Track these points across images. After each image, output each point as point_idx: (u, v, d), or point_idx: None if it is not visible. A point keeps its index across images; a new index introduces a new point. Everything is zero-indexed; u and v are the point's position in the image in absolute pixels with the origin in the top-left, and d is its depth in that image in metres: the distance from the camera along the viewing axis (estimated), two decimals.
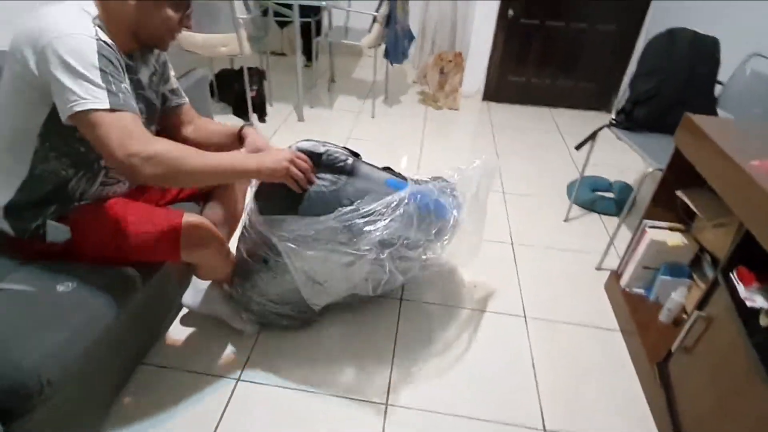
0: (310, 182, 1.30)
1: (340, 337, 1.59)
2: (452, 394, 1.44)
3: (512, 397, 1.44)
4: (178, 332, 1.56)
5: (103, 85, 0.97)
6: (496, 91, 3.59)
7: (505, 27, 3.34)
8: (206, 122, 1.48)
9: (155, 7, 1.10)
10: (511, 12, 3.27)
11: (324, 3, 2.71)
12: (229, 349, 1.52)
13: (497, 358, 1.56)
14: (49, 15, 0.99)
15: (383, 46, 3.03)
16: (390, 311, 1.71)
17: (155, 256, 1.24)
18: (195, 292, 1.53)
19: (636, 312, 1.68)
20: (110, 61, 1.00)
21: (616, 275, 1.84)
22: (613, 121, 2.04)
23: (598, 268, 1.99)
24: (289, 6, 2.70)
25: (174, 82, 1.38)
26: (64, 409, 1.09)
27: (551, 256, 2.04)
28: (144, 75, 1.23)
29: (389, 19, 2.85)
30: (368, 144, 2.82)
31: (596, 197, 2.40)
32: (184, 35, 2.52)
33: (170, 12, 1.12)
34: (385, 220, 1.30)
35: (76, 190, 1.19)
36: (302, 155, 1.29)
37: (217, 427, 1.30)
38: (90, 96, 0.95)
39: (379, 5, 2.86)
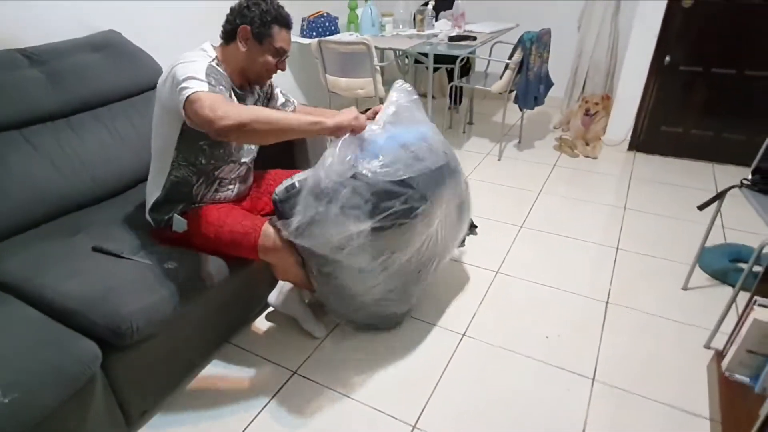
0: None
1: (394, 356, 1.70)
2: None
3: None
4: (262, 323, 1.85)
5: (205, 80, 1.30)
6: (646, 141, 3.30)
7: (660, 73, 3.08)
8: (316, 110, 1.81)
9: (259, 53, 1.47)
10: (668, 58, 3.02)
11: (460, 53, 2.89)
12: (298, 346, 1.74)
13: (544, 414, 1.49)
14: (180, 57, 1.38)
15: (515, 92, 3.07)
16: (449, 343, 1.75)
17: (240, 252, 1.53)
18: (279, 293, 1.80)
19: (732, 402, 1.43)
20: (216, 76, 1.36)
21: (718, 356, 1.58)
22: (746, 181, 1.78)
23: (707, 347, 1.72)
24: (426, 54, 2.95)
25: (281, 98, 1.76)
26: (151, 358, 1.41)
27: (652, 324, 1.83)
28: (249, 101, 1.61)
29: (521, 66, 2.90)
30: (483, 184, 2.87)
31: (731, 268, 2.06)
32: (332, 80, 2.96)
33: (269, 58, 1.48)
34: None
35: (198, 194, 1.57)
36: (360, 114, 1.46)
37: (264, 407, 1.51)
38: (195, 86, 1.28)
39: (512, 53, 2.93)
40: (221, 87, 1.37)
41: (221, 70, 1.44)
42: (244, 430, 1.44)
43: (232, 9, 1.47)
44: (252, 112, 1.27)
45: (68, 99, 1.74)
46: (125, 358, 1.32)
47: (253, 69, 1.50)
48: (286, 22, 1.50)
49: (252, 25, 1.44)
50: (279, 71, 1.55)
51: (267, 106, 1.72)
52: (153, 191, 1.57)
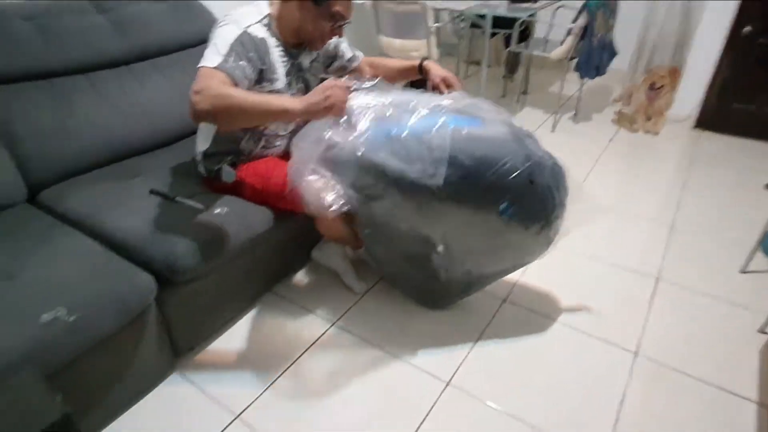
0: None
1: (432, 314, 1.71)
2: (516, 397, 1.42)
3: (581, 419, 1.36)
4: (304, 276, 1.90)
5: (224, 54, 1.29)
6: (714, 118, 3.09)
7: (736, 46, 2.86)
8: (383, 60, 1.77)
9: (314, 16, 1.43)
10: (747, 29, 2.79)
11: (520, 15, 2.78)
12: (338, 299, 1.78)
13: (582, 382, 1.47)
14: (229, 14, 1.38)
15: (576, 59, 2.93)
16: (489, 308, 1.74)
17: (286, 203, 1.56)
18: (322, 246, 1.84)
19: None
20: (244, 47, 1.34)
21: None
22: None
23: (762, 331, 1.63)
24: (484, 17, 2.85)
25: (347, 54, 1.71)
26: (200, 298, 1.49)
27: (703, 304, 1.75)
28: (305, 60, 1.58)
29: (585, 32, 2.76)
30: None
31: None
32: (385, 41, 2.92)
33: (324, 23, 1.44)
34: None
35: (245, 149, 1.60)
36: (338, 83, 1.29)
37: (303, 353, 1.57)
38: (208, 59, 1.28)
39: (576, 17, 2.78)
40: (242, 62, 1.32)
41: (261, 36, 1.40)
42: (281, 374, 1.50)
43: None
44: (225, 100, 1.19)
45: (132, 46, 1.81)
46: (177, 295, 1.40)
47: (306, 31, 1.46)
48: None
49: None
50: (336, 37, 1.52)
51: (329, 65, 1.70)
52: (202, 144, 1.62)
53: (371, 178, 1.33)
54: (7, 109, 1.52)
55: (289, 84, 1.53)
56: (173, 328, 1.43)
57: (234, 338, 1.63)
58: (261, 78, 1.43)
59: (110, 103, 1.72)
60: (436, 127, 1.30)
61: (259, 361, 1.55)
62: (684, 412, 1.38)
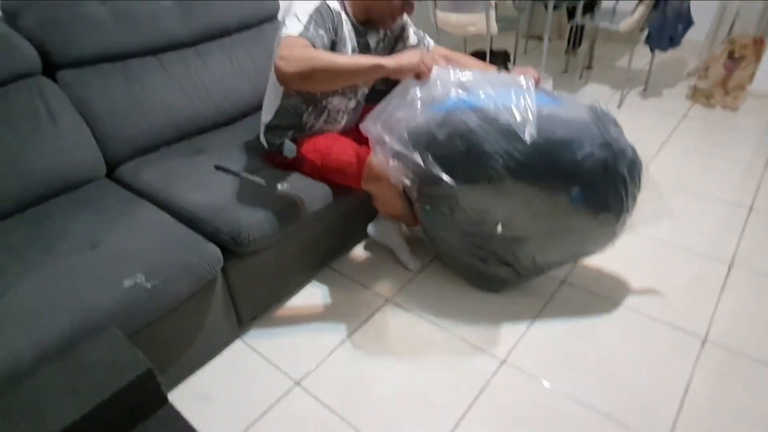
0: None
1: (488, 295, 1.69)
2: (573, 377, 1.40)
3: (641, 403, 1.32)
4: (360, 252, 1.94)
5: (304, 22, 1.32)
6: None
7: None
8: (459, 57, 1.71)
9: None
10: None
11: None
12: (393, 276, 1.80)
13: (645, 367, 1.42)
14: None
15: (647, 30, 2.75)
16: (547, 288, 1.71)
17: (344, 180, 1.58)
18: (378, 223, 1.86)
19: None
20: (322, 17, 1.37)
21: None
22: None
23: None
24: None
25: (412, 38, 1.70)
26: (262, 270, 1.55)
27: None
28: (372, 40, 1.59)
29: (658, 1, 2.58)
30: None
31: None
32: (441, 16, 2.86)
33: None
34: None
35: (307, 123, 1.63)
36: (429, 55, 1.36)
37: (358, 328, 1.61)
38: (290, 27, 1.32)
39: None
40: (321, 31, 1.35)
41: (336, 9, 1.43)
42: (337, 347, 1.55)
43: None
44: (313, 61, 1.24)
45: (196, 28, 1.87)
46: (241, 266, 1.46)
47: (376, 8, 1.47)
48: None
49: None
50: (407, 13, 1.51)
51: (394, 47, 1.69)
52: (267, 115, 1.67)
53: (451, 141, 1.31)
54: (88, 89, 1.62)
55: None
56: (237, 297, 1.50)
57: (293, 310, 1.70)
58: (332, 50, 1.46)
59: (177, 84, 1.80)
60: (518, 101, 1.29)
61: (317, 333, 1.60)
62: (755, 401, 1.31)
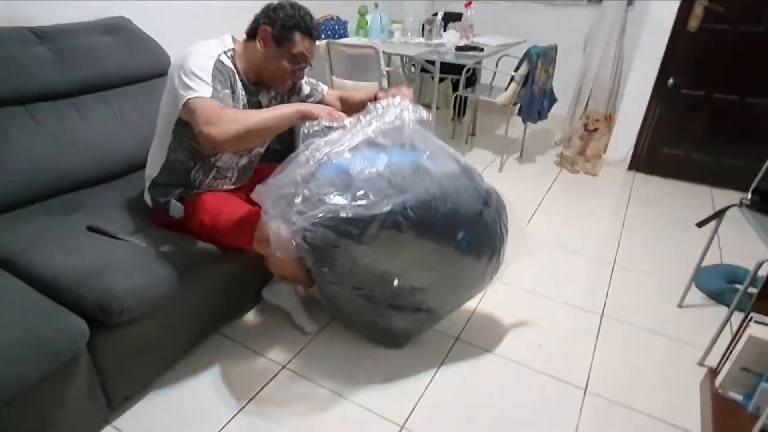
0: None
1: (385, 355, 1.67)
2: None
3: None
4: (254, 316, 1.83)
5: (211, 84, 1.31)
6: (646, 162, 3.31)
7: (662, 96, 3.11)
8: (350, 95, 1.79)
9: (276, 56, 1.45)
10: (671, 81, 3.05)
11: (467, 62, 2.91)
12: (288, 340, 1.72)
13: (535, 423, 1.47)
14: (195, 45, 1.38)
15: (519, 105, 3.10)
16: (442, 345, 1.73)
17: (236, 241, 1.51)
18: (272, 285, 1.78)
19: (724, 420, 1.42)
20: (221, 74, 1.36)
21: (712, 373, 1.57)
22: (745, 201, 1.78)
23: (701, 364, 1.71)
24: (433, 63, 2.97)
25: (305, 90, 1.72)
26: (138, 342, 1.39)
27: (646, 339, 1.82)
28: (264, 99, 1.58)
29: (527, 80, 2.92)
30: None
31: (727, 288, 2.06)
32: (338, 82, 2.97)
33: (285, 63, 1.46)
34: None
35: (196, 179, 1.55)
36: (340, 114, 1.39)
37: (249, 402, 1.49)
38: (199, 90, 1.29)
39: (518, 65, 2.95)
40: (227, 90, 1.37)
41: (230, 65, 1.43)
42: (227, 423, 1.41)
43: (262, 9, 1.47)
44: (244, 122, 1.27)
45: (75, 79, 1.74)
46: (112, 339, 1.30)
47: (268, 71, 1.48)
48: (309, 31, 1.47)
49: (274, 26, 1.43)
50: (296, 80, 1.55)
51: (288, 101, 1.69)
52: (152, 170, 1.57)
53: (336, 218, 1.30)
54: None
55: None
56: (107, 375, 1.32)
57: (175, 386, 1.53)
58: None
59: (50, 136, 1.63)
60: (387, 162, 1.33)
61: (204, 409, 1.45)
62: None
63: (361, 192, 1.28)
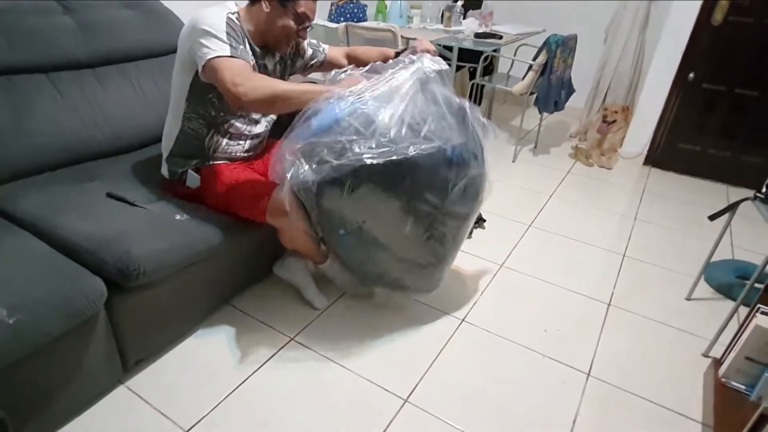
0: None
1: (393, 333, 1.70)
2: (472, 415, 1.43)
3: None
4: (264, 289, 1.86)
5: (227, 41, 1.35)
6: (662, 157, 3.28)
7: (682, 90, 3.08)
8: (362, 51, 1.82)
9: (280, 16, 1.47)
10: (692, 75, 3.01)
11: (485, 49, 2.90)
12: (298, 314, 1.76)
13: (535, 401, 1.49)
14: (202, 10, 1.41)
15: (536, 94, 3.08)
16: (448, 326, 1.76)
17: (249, 213, 1.54)
18: (284, 260, 1.81)
19: (726, 408, 1.42)
20: (234, 30, 1.40)
21: (716, 362, 1.58)
22: (759, 194, 1.77)
23: (705, 355, 1.71)
24: (451, 49, 2.96)
25: (308, 51, 1.76)
26: (154, 307, 1.43)
27: (652, 330, 1.83)
28: (269, 62, 1.62)
29: (544, 69, 2.91)
30: (496, 183, 2.88)
31: (736, 283, 2.05)
32: None
33: (291, 22, 1.49)
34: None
35: (210, 147, 1.59)
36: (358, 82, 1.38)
37: (257, 371, 1.53)
38: (217, 49, 1.33)
39: (537, 54, 2.93)
40: (242, 48, 1.41)
41: (239, 25, 1.46)
42: (235, 389, 1.46)
43: None
44: (273, 89, 1.33)
45: (97, 50, 1.78)
46: (129, 302, 1.34)
47: (273, 32, 1.50)
48: None
49: None
50: (300, 39, 1.57)
51: (294, 64, 1.74)
52: (167, 141, 1.61)
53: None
54: None
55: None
56: (122, 337, 1.36)
57: (186, 352, 1.57)
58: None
59: (71, 105, 1.68)
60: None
61: (212, 376, 1.49)
62: (633, 429, 1.42)
63: (386, 139, 1.30)
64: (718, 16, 2.83)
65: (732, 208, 1.83)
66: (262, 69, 1.57)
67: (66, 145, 1.66)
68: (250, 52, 1.51)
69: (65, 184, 1.56)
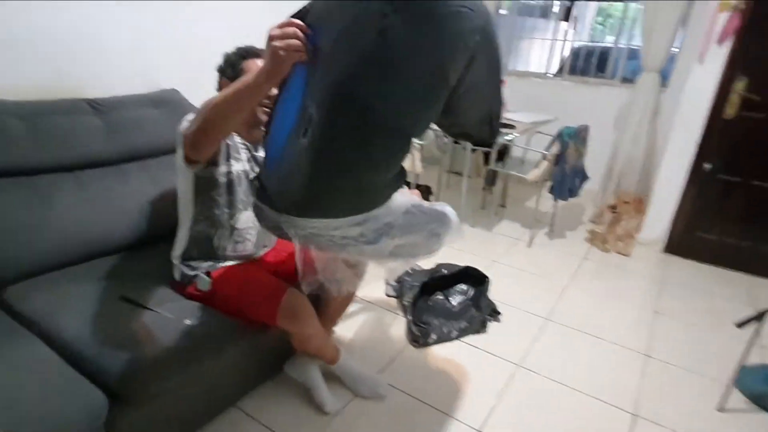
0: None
1: None
2: None
3: None
4: (273, 389, 1.79)
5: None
6: (681, 245, 3.22)
7: (698, 180, 3.07)
8: None
9: None
10: (707, 166, 3.02)
11: (496, 140, 2.96)
12: (306, 418, 1.67)
13: None
14: None
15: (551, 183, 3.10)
16: None
17: (259, 315, 1.51)
18: (295, 361, 1.76)
19: None
20: None
21: None
22: None
23: None
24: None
25: None
26: (157, 416, 1.37)
27: None
28: (260, 155, 1.65)
29: (558, 159, 2.94)
30: (510, 270, 2.83)
31: None
32: None
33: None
34: None
35: (219, 247, 1.59)
36: (286, 22, 1.05)
37: None
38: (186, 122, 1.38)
39: (550, 145, 2.98)
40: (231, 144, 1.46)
41: None
42: None
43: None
44: (203, 110, 1.19)
45: (122, 148, 1.84)
46: (131, 414, 1.28)
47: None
48: (254, 52, 1.49)
49: (225, 73, 1.51)
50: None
51: None
52: (178, 247, 1.61)
53: None
54: None
55: (251, 169, 1.61)
56: None
57: None
58: (228, 154, 1.53)
59: (92, 202, 1.71)
60: None
61: None
62: None
63: None
64: (730, 111, 2.87)
65: (760, 317, 1.76)
66: (254, 160, 1.62)
67: (84, 241, 1.67)
68: (242, 144, 1.56)
69: (80, 282, 1.56)
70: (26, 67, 1.77)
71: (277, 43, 1.01)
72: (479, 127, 1.23)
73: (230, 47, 1.56)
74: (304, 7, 1.10)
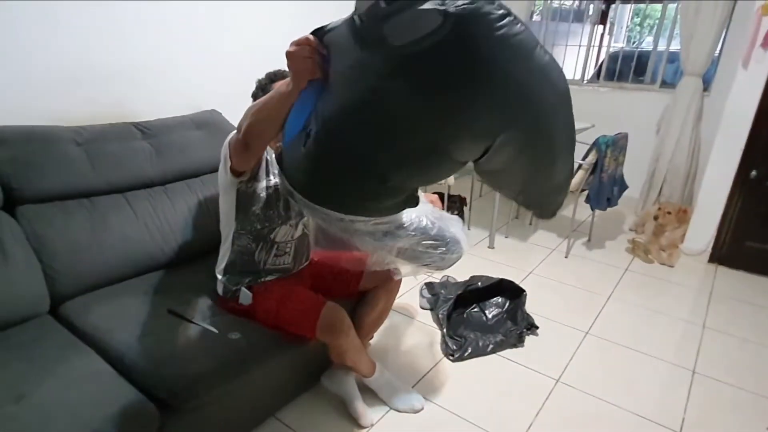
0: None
1: None
2: None
3: None
4: (310, 401, 1.83)
5: None
6: (729, 254, 3.10)
7: (744, 187, 2.95)
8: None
9: None
10: (754, 173, 2.90)
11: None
12: (342, 430, 1.71)
13: None
14: None
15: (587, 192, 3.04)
16: None
17: (299, 329, 1.57)
18: (332, 373, 1.80)
19: None
20: None
21: None
22: None
23: None
24: None
25: None
26: (203, 425, 1.44)
27: None
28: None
29: (595, 167, 2.89)
30: (547, 281, 2.79)
31: None
32: None
33: None
34: None
35: (260, 260, 1.65)
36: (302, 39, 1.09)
37: None
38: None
39: (587, 154, 2.93)
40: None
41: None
42: None
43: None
44: (248, 113, 1.29)
45: (169, 169, 1.95)
46: (180, 424, 1.36)
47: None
48: (282, 75, 1.54)
49: (257, 97, 1.55)
50: None
51: None
52: (221, 262, 1.69)
53: None
54: (47, 224, 1.61)
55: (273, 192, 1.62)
56: None
57: None
58: (267, 169, 1.61)
59: (142, 221, 1.81)
60: None
61: None
62: None
63: None
64: None
65: None
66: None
67: (135, 257, 1.78)
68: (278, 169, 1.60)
69: (130, 296, 1.66)
70: (84, 95, 1.92)
71: (289, 60, 1.09)
72: (525, 204, 1.28)
73: (264, 64, 1.63)
74: (324, 27, 1.10)
